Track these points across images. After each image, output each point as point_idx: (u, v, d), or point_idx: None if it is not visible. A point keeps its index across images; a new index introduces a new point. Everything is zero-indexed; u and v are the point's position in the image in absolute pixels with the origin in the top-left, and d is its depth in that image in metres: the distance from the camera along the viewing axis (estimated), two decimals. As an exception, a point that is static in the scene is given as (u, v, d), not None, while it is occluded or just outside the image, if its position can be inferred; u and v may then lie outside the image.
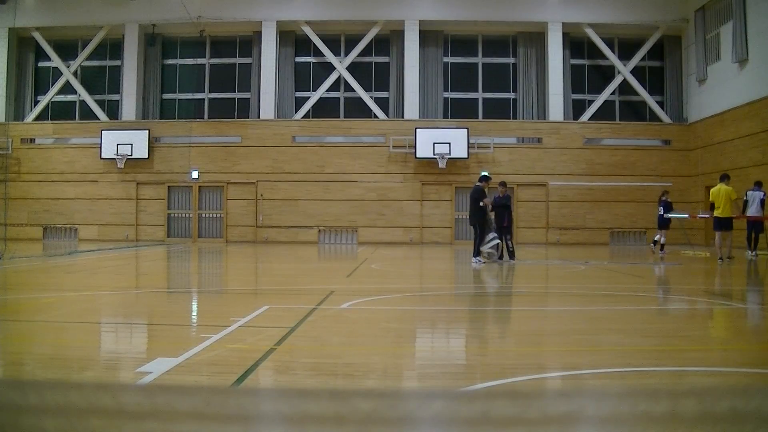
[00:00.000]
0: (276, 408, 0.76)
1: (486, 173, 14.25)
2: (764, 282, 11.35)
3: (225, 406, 0.72)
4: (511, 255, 14.22)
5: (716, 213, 13.88)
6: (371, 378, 3.83)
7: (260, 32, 24.44)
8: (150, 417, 0.71)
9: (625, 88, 24.59)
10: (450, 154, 23.10)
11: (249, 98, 24.98)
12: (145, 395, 0.77)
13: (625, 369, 3.98)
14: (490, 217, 13.85)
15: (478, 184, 13.92)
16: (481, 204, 13.59)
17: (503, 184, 14.73)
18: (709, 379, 3.76)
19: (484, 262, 13.45)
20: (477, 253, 13.62)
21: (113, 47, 25.37)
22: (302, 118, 24.56)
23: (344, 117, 24.76)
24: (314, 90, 24.82)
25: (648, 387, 3.49)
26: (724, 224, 13.82)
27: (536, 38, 24.54)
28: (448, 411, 0.72)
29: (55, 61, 25.47)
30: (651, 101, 24.40)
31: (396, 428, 0.71)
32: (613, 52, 24.36)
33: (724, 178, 14.21)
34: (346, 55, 24.84)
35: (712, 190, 14.31)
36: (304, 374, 3.91)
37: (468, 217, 14.73)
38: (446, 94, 24.89)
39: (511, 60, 25.07)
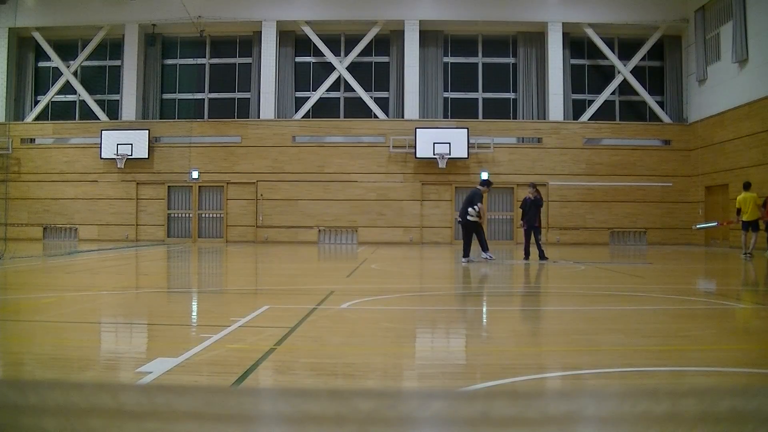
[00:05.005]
0: (276, 408, 0.76)
1: (487, 177, 14.15)
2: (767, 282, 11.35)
3: (225, 406, 0.72)
4: (542, 255, 14.21)
5: (744, 217, 15.69)
6: (371, 378, 3.83)
7: (260, 32, 24.44)
8: (150, 417, 0.71)
9: (625, 88, 24.58)
10: (450, 154, 23.10)
11: (249, 98, 24.98)
12: (145, 395, 0.77)
13: (625, 369, 3.98)
14: (480, 223, 13.77)
15: (479, 188, 13.90)
16: (472, 211, 13.45)
17: (534, 185, 14.84)
18: (709, 379, 3.75)
19: (494, 258, 13.64)
20: (485, 248, 13.69)
21: (113, 47, 25.38)
22: (302, 118, 24.56)
23: (344, 117, 24.76)
24: (314, 90, 24.81)
25: (648, 387, 3.49)
26: (750, 225, 15.78)
27: (536, 38, 24.54)
28: (448, 411, 0.72)
29: (55, 61, 25.47)
30: (651, 101, 24.39)
31: (396, 428, 0.71)
32: (613, 52, 24.35)
33: (748, 186, 16.05)
34: (346, 55, 24.84)
35: (738, 198, 16.21)
36: (304, 374, 3.91)
37: (458, 214, 14.75)
38: (446, 94, 24.88)
39: (511, 60, 25.06)
